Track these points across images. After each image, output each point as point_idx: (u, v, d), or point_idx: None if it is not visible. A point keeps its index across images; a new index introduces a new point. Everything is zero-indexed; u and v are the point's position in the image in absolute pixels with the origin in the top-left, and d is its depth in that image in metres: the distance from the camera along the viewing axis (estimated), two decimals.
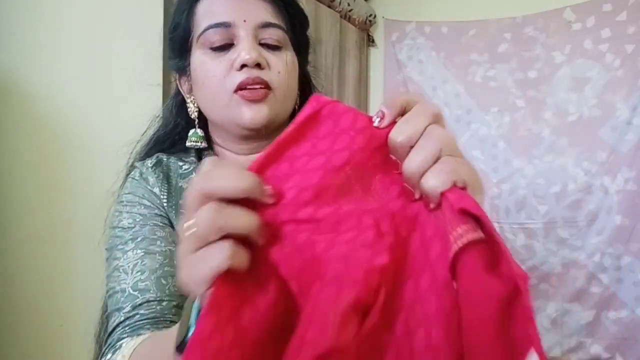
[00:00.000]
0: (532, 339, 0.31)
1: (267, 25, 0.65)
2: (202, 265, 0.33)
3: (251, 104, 0.63)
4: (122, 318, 0.59)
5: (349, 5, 2.39)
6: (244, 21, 0.64)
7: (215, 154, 0.72)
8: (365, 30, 2.66)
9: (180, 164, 0.72)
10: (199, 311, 0.38)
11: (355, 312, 0.33)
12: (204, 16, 0.65)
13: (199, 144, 0.71)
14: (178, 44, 0.69)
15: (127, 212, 0.69)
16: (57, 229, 1.32)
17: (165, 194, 0.69)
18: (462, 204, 0.33)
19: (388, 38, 2.66)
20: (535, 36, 2.33)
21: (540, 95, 2.32)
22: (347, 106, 0.43)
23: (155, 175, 0.70)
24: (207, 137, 0.73)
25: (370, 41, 2.70)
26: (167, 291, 0.60)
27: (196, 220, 0.33)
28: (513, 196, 2.33)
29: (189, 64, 0.69)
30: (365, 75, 2.68)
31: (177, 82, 0.74)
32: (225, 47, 0.64)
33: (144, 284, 0.60)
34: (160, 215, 0.68)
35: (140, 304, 0.59)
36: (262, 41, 0.65)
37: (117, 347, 0.55)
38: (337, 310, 0.33)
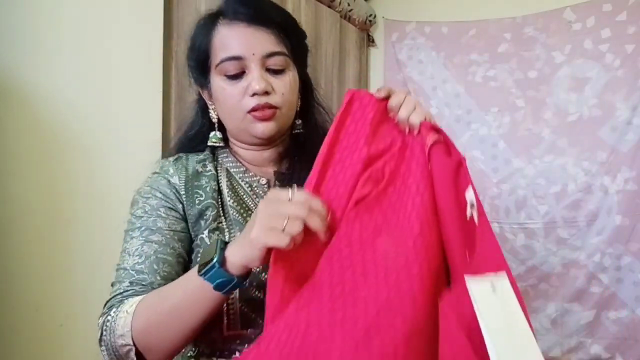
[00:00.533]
0: (468, 183, 0.63)
1: (271, 54, 0.80)
2: (280, 227, 0.58)
3: (262, 122, 0.81)
4: (122, 290, 0.74)
5: (349, 5, 2.39)
6: (253, 54, 0.79)
7: (230, 150, 0.89)
8: (365, 30, 2.66)
9: (197, 155, 0.88)
10: (221, 247, 0.64)
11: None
12: (220, 48, 0.81)
13: (217, 143, 0.87)
14: (200, 65, 0.85)
15: (142, 202, 0.82)
16: (57, 229, 1.32)
17: (183, 179, 0.83)
18: (429, 126, 0.68)
19: (388, 38, 2.66)
20: (535, 36, 2.33)
21: (540, 95, 2.32)
22: (367, 95, 0.72)
23: (175, 167, 0.85)
24: (224, 137, 0.88)
25: (370, 41, 2.70)
26: (158, 275, 0.75)
27: (294, 198, 0.61)
28: (513, 196, 2.33)
29: (209, 82, 0.84)
30: (365, 75, 2.68)
31: (200, 92, 0.89)
32: (239, 75, 0.80)
33: (140, 266, 0.75)
34: (166, 207, 0.81)
35: (135, 282, 0.74)
36: (268, 67, 0.81)
37: (118, 306, 0.72)
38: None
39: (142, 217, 0.79)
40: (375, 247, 0.61)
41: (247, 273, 0.65)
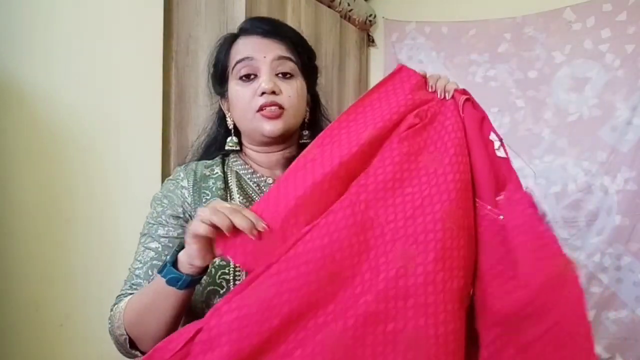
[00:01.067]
0: (490, 129, 0.83)
1: (281, 58, 0.89)
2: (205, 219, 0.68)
3: (270, 120, 0.88)
4: (124, 290, 0.87)
5: (349, 5, 2.39)
6: (264, 57, 0.88)
7: (244, 153, 0.98)
8: (365, 30, 2.66)
9: (206, 161, 0.97)
10: (177, 250, 0.75)
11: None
12: (236, 53, 0.91)
13: (234, 147, 0.96)
14: (220, 76, 0.94)
15: (152, 209, 0.91)
16: (57, 229, 1.32)
17: (192, 181, 0.92)
18: (462, 91, 0.84)
19: (388, 38, 2.66)
20: (535, 36, 2.33)
21: (540, 95, 2.32)
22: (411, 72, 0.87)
23: (185, 171, 0.94)
24: (239, 142, 0.97)
25: (370, 41, 2.70)
26: (150, 279, 0.84)
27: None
28: None
29: (227, 90, 0.93)
30: (365, 75, 2.68)
31: (220, 103, 0.98)
32: (251, 77, 0.89)
33: (138, 272, 0.86)
34: (168, 214, 0.89)
35: (134, 285, 0.86)
36: (278, 72, 0.89)
37: (118, 303, 0.85)
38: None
39: (149, 223, 0.90)
40: (418, 163, 0.77)
41: (201, 271, 0.73)
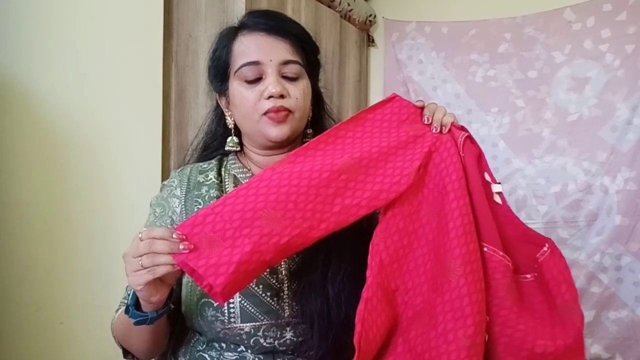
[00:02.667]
0: (489, 174, 0.80)
1: (287, 62, 0.86)
2: (139, 268, 0.68)
3: (276, 124, 0.86)
4: (122, 301, 0.89)
5: (349, 5, 2.39)
6: (270, 60, 0.85)
7: (244, 155, 0.96)
8: (365, 30, 2.66)
9: (202, 164, 0.95)
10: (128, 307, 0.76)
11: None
12: (240, 55, 0.87)
13: (234, 148, 0.93)
14: (220, 72, 0.90)
15: (148, 215, 0.92)
16: (57, 229, 1.32)
17: (184, 190, 0.91)
18: (459, 126, 0.82)
19: (388, 38, 2.66)
20: (535, 36, 2.33)
21: (540, 95, 2.32)
22: (404, 102, 0.85)
23: (179, 178, 0.93)
24: (240, 143, 0.94)
25: (370, 41, 2.70)
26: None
27: (142, 236, 0.69)
28: (513, 196, 2.33)
29: (228, 89, 0.90)
30: (365, 75, 2.68)
31: (217, 100, 0.95)
32: (257, 80, 0.86)
33: None
34: (158, 224, 0.88)
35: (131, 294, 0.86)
36: (284, 74, 0.87)
37: (116, 312, 0.89)
38: None
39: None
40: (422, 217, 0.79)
41: (165, 300, 0.75)
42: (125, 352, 0.89)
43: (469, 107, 2.45)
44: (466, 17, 2.47)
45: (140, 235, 0.69)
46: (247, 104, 0.86)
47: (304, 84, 0.89)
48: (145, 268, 0.67)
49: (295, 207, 0.71)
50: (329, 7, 2.26)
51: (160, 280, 0.70)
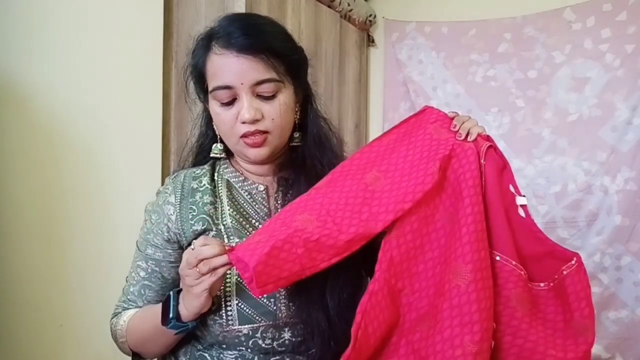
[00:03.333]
0: (514, 187, 0.81)
1: (260, 82, 0.83)
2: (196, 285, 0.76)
3: (253, 148, 0.86)
4: (121, 303, 0.93)
5: (349, 5, 2.39)
6: (242, 84, 0.82)
7: (231, 161, 0.95)
8: (365, 30, 2.66)
9: (195, 169, 0.95)
10: (174, 299, 0.81)
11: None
12: (212, 76, 0.85)
13: (219, 155, 0.93)
14: (198, 84, 0.90)
15: (144, 221, 0.94)
16: (56, 229, 1.32)
17: (179, 197, 0.90)
18: (485, 136, 0.83)
19: (388, 38, 2.66)
20: (535, 36, 2.33)
21: (540, 95, 2.32)
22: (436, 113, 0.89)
23: (173, 185, 0.92)
24: (226, 149, 0.93)
25: (370, 41, 2.70)
26: (143, 298, 0.91)
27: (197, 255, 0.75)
28: None
29: (208, 102, 0.90)
30: (365, 75, 2.68)
31: (205, 105, 0.94)
32: (231, 102, 0.84)
33: (132, 288, 0.92)
34: (155, 232, 0.90)
35: (129, 301, 0.92)
36: (259, 94, 0.84)
37: (118, 315, 0.91)
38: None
39: (141, 236, 0.93)
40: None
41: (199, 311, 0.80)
42: (135, 355, 0.91)
43: (469, 107, 2.45)
44: (466, 17, 2.46)
45: (192, 247, 0.76)
46: (224, 126, 0.86)
47: (282, 99, 0.85)
48: (204, 275, 0.74)
49: (328, 214, 0.75)
50: (329, 7, 2.26)
51: (209, 290, 0.76)
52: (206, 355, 0.86)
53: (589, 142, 2.21)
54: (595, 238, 2.18)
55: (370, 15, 2.61)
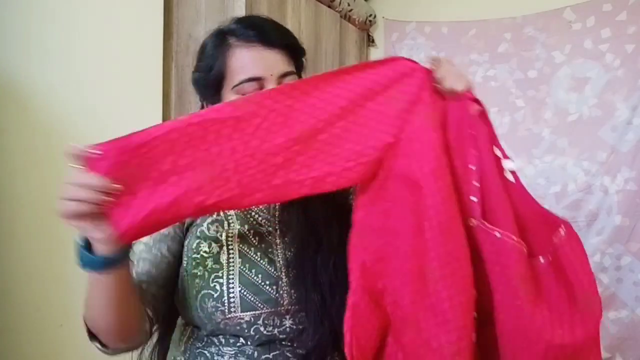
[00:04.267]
0: (500, 149, 0.72)
1: (286, 74, 0.85)
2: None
3: None
4: None
5: (349, 5, 2.39)
6: (271, 75, 0.83)
7: None
8: (365, 30, 2.66)
9: None
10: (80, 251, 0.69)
11: None
12: (238, 70, 0.84)
13: None
14: (213, 84, 0.88)
15: None
16: (57, 229, 1.32)
17: None
18: (472, 96, 0.72)
19: (388, 38, 2.66)
20: (535, 36, 2.33)
21: (540, 95, 2.32)
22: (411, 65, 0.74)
23: None
24: None
25: (370, 41, 2.70)
26: (135, 271, 0.84)
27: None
28: None
29: (220, 100, 0.87)
30: None
31: (205, 105, 0.93)
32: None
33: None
34: None
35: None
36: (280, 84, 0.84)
37: None
38: None
39: None
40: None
41: (123, 250, 0.69)
42: (91, 336, 0.83)
43: None
44: (466, 17, 2.46)
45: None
46: None
47: None
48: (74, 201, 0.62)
49: (235, 169, 0.65)
50: (329, 7, 2.26)
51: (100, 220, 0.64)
52: (205, 352, 0.85)
53: (589, 142, 2.21)
54: (595, 238, 2.18)
55: (370, 15, 2.61)
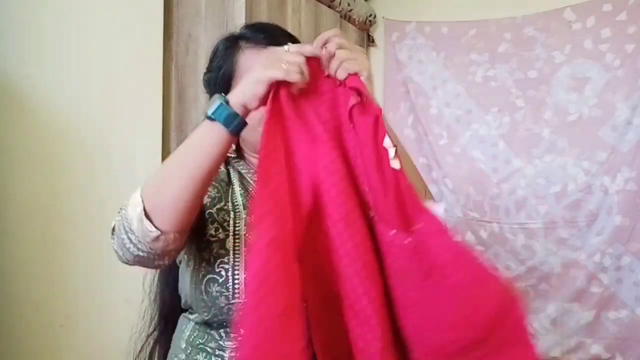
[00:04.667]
0: (384, 137, 0.69)
1: None
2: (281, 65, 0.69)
3: None
4: (119, 216, 0.84)
5: (349, 5, 2.39)
6: None
7: (245, 159, 0.96)
8: (365, 30, 2.66)
9: None
10: (221, 103, 0.70)
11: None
12: (247, 69, 0.83)
13: (231, 155, 0.95)
14: (222, 83, 0.90)
15: None
16: (57, 229, 1.32)
17: None
18: (352, 84, 0.71)
19: (388, 38, 2.66)
20: (535, 36, 2.33)
21: (540, 95, 2.32)
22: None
23: None
24: (237, 147, 0.96)
25: (370, 41, 2.70)
26: None
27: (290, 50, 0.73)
28: (513, 196, 2.33)
29: None
30: None
31: None
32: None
33: None
34: None
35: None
36: None
37: (125, 208, 0.78)
38: None
39: None
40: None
41: (246, 115, 0.72)
42: (149, 224, 0.74)
43: (469, 107, 2.45)
44: (466, 17, 2.47)
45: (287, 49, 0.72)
46: (254, 118, 0.83)
47: None
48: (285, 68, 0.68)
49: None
50: (329, 7, 2.26)
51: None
52: (207, 348, 0.86)
53: (589, 142, 2.21)
54: (595, 238, 2.19)
55: (370, 15, 2.61)
